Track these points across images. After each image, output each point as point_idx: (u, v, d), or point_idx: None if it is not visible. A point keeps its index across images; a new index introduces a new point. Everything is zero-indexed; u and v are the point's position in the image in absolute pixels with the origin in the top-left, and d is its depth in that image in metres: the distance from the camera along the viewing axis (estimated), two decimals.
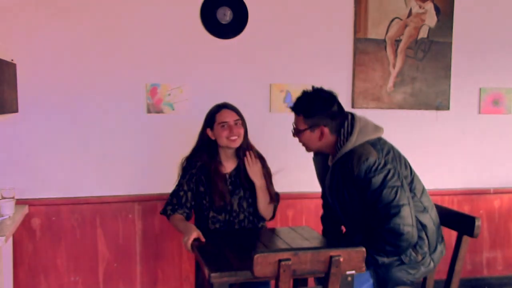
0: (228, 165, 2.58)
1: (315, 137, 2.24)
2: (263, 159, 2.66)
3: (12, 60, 2.91)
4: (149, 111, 3.15)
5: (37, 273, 3.09)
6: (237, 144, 2.51)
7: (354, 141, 2.16)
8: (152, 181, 3.20)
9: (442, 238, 2.33)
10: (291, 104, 2.30)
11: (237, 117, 2.52)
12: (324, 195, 2.58)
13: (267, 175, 2.61)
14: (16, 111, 2.93)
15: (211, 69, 3.22)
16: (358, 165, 2.10)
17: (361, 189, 2.13)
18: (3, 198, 2.81)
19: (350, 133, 2.19)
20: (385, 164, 2.10)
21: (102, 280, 3.19)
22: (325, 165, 2.38)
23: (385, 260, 2.13)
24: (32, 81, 2.99)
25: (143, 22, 3.10)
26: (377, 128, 2.24)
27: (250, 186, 2.57)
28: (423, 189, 2.28)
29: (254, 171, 2.53)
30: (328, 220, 2.60)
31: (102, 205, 3.15)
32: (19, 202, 2.94)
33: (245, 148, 2.57)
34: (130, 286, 3.23)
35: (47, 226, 3.09)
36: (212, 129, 2.53)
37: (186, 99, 3.19)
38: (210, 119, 2.54)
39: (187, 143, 3.18)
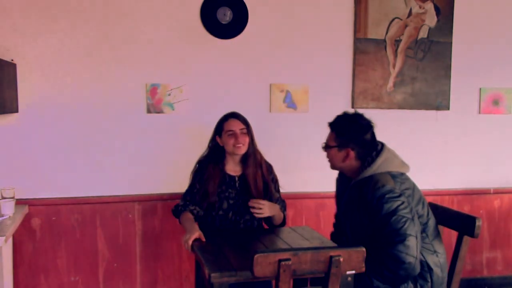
0: (236, 170, 2.70)
1: (340, 156, 2.29)
2: (270, 166, 2.77)
3: (12, 60, 2.91)
4: (149, 111, 3.15)
5: (37, 273, 3.09)
6: (242, 151, 2.63)
7: (376, 168, 2.20)
8: (152, 181, 3.20)
9: (446, 285, 2.33)
10: (329, 122, 2.36)
11: (242, 126, 2.64)
12: (338, 216, 2.59)
13: (274, 182, 2.73)
14: (16, 111, 2.93)
15: (211, 69, 3.22)
16: (373, 190, 2.13)
17: (372, 214, 2.14)
18: (3, 198, 2.81)
19: (374, 160, 2.22)
20: (399, 195, 2.12)
21: (102, 280, 3.19)
22: (345, 188, 2.40)
23: (381, 285, 2.13)
24: (32, 81, 2.99)
25: (143, 22, 3.10)
26: (403, 164, 2.27)
27: (256, 192, 2.65)
28: (438, 234, 2.29)
29: (266, 212, 2.60)
30: (337, 238, 2.61)
31: (102, 205, 3.15)
32: (19, 202, 2.94)
33: (251, 155, 2.66)
34: (130, 286, 3.23)
35: (47, 226, 3.09)
36: (220, 136, 2.66)
37: (186, 99, 3.19)
38: (219, 128, 2.68)
39: (187, 143, 3.19)
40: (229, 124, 2.64)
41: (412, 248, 2.05)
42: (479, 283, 3.78)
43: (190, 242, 2.30)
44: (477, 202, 3.73)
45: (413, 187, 2.24)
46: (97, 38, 3.05)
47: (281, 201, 2.74)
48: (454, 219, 2.39)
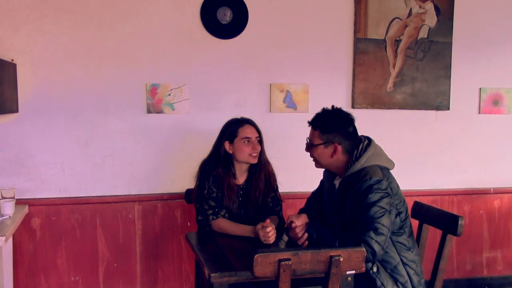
0: (241, 178, 2.61)
1: (327, 153, 2.28)
2: (274, 175, 2.68)
3: (12, 60, 2.92)
4: (149, 111, 3.15)
5: (37, 273, 3.09)
6: (256, 160, 2.55)
7: (364, 162, 2.22)
8: (152, 181, 3.20)
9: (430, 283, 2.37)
10: (309, 119, 2.36)
11: (257, 134, 2.57)
12: (314, 194, 2.61)
13: (275, 190, 2.66)
14: (16, 111, 2.93)
15: (211, 69, 3.22)
16: (362, 181, 2.15)
17: (356, 203, 2.16)
18: (3, 198, 2.81)
19: (362, 155, 2.24)
20: (385, 188, 2.15)
21: (102, 280, 3.19)
22: (331, 183, 2.41)
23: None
24: (32, 81, 2.99)
25: (143, 22, 3.10)
26: (389, 161, 2.30)
27: (256, 204, 2.60)
28: (412, 232, 2.33)
29: (273, 239, 2.38)
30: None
31: (102, 205, 3.15)
32: (19, 202, 2.94)
33: (262, 165, 2.59)
34: (130, 286, 3.24)
35: (47, 226, 3.09)
36: (231, 142, 2.54)
37: (186, 99, 3.19)
38: (232, 133, 2.55)
39: (187, 143, 3.19)
40: (245, 130, 2.53)
41: (382, 238, 2.07)
42: (479, 283, 3.78)
43: (271, 234, 2.26)
44: (477, 202, 3.73)
45: (397, 185, 2.28)
46: (97, 38, 3.05)
47: (276, 200, 2.65)
48: (438, 218, 2.42)
